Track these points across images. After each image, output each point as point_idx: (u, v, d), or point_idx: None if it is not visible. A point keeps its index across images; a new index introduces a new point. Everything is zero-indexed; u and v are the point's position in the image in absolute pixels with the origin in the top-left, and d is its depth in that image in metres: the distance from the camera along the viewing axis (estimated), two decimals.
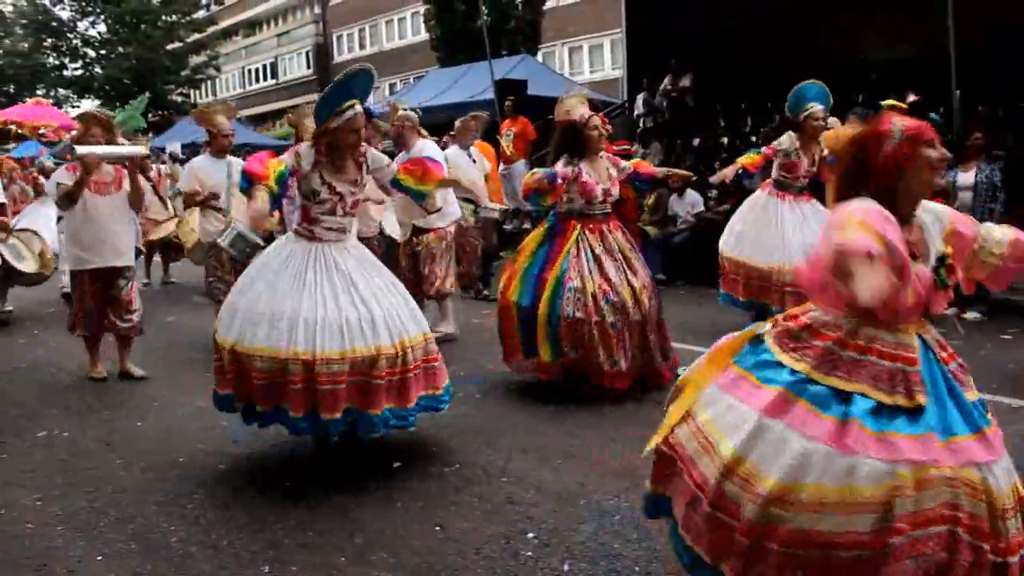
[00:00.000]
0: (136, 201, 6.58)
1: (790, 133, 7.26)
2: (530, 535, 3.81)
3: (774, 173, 7.39)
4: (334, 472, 4.56)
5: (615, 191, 5.98)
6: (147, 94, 10.44)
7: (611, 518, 3.96)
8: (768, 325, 2.86)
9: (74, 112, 28.26)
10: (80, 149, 6.13)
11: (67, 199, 6.25)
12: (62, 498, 4.39)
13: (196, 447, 5.07)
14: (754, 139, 13.27)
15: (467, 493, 4.30)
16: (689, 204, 11.43)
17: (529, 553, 3.65)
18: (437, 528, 3.90)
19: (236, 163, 7.45)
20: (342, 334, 4.33)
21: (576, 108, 5.91)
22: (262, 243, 7.28)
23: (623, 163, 6.13)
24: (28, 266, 8.86)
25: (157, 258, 11.98)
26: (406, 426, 4.59)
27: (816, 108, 7.12)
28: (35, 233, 9.02)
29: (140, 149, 6.60)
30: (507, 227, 12.45)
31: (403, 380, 4.50)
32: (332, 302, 4.39)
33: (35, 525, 4.08)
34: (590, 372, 5.70)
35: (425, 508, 4.12)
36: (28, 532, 4.01)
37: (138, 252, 8.91)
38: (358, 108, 4.47)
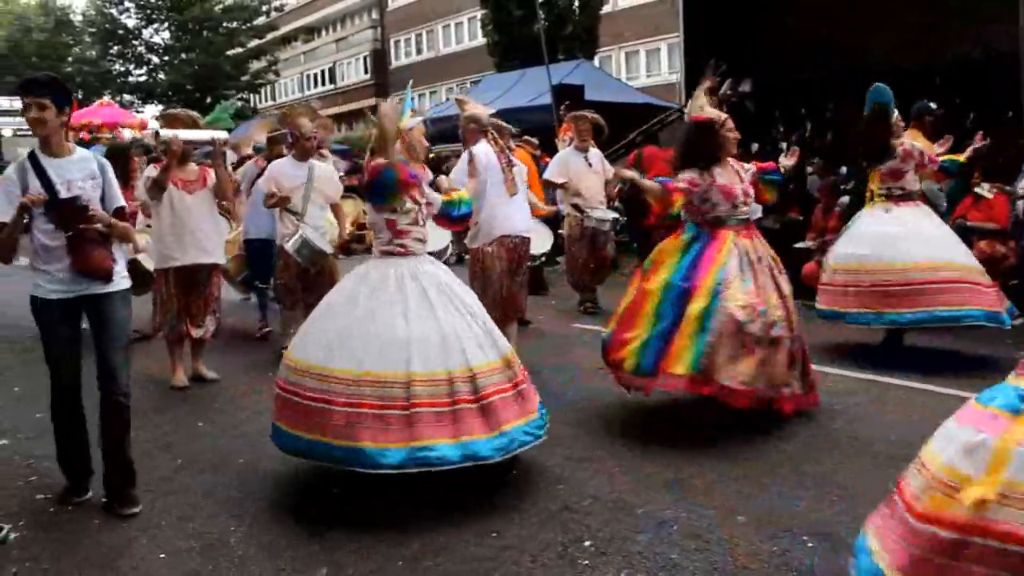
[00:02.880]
0: (222, 191, 6.63)
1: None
2: (587, 543, 3.79)
3: (879, 186, 7.05)
4: (391, 478, 4.57)
5: (752, 192, 5.63)
6: (236, 101, 10.51)
7: (668, 528, 3.91)
8: None
9: (139, 116, 28.90)
10: (164, 132, 6.25)
11: (156, 187, 6.28)
12: None
13: (256, 449, 5.11)
14: (815, 144, 13.12)
15: (523, 500, 4.29)
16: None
17: (586, 562, 3.63)
18: (493, 535, 3.90)
19: (318, 166, 7.50)
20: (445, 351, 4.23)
21: (707, 107, 5.58)
22: (329, 250, 7.34)
23: (746, 165, 5.82)
24: None
25: None
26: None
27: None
28: None
29: (223, 133, 6.61)
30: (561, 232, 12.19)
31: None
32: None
33: (100, 523, 4.17)
34: (763, 397, 5.18)
35: (481, 514, 4.11)
36: (94, 529, 4.11)
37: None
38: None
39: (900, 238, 6.66)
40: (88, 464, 4.47)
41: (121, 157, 7.47)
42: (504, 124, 7.96)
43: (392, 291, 4.36)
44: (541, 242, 8.22)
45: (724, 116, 5.54)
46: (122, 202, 4.41)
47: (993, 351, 6.96)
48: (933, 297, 6.52)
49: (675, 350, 5.13)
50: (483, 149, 6.68)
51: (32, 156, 4.22)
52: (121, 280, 4.36)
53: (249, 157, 9.76)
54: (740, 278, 5.22)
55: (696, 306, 5.13)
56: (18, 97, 4.31)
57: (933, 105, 7.85)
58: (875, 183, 7.03)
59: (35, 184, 4.13)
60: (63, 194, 4.14)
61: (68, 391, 4.37)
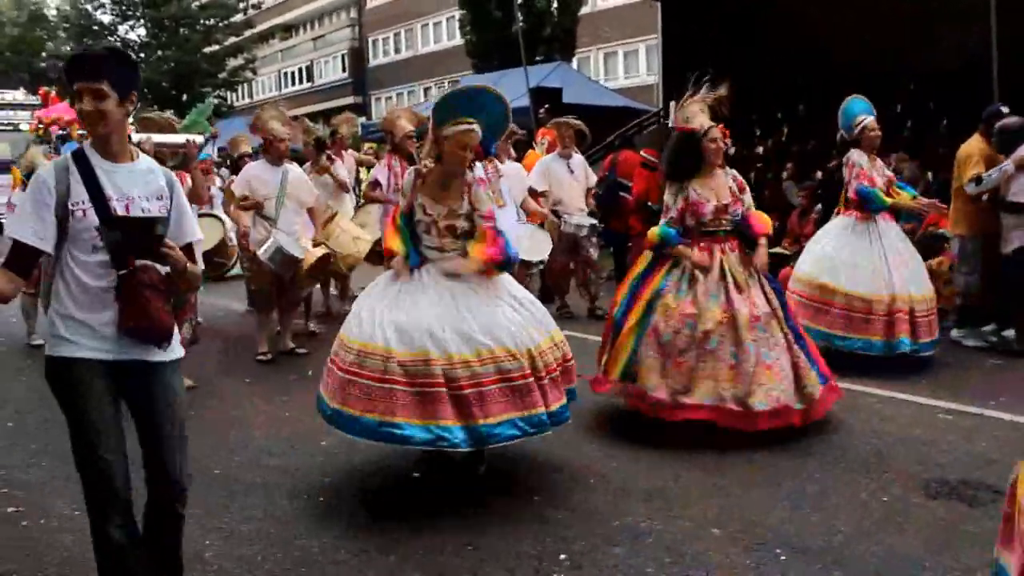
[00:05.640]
0: (197, 196, 6.55)
1: (858, 151, 6.95)
2: (562, 556, 3.80)
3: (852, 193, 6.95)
4: (367, 489, 4.58)
5: (736, 210, 5.51)
6: (212, 100, 10.43)
7: (644, 540, 3.93)
8: None
9: None
10: (136, 136, 6.16)
11: None
12: None
13: (232, 459, 5.10)
14: (794, 149, 13.23)
15: (498, 511, 4.29)
16: None
17: (561, 575, 3.64)
18: (468, 547, 3.90)
19: (292, 170, 7.47)
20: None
21: (696, 116, 5.56)
22: (301, 257, 7.32)
23: (744, 186, 5.70)
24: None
25: None
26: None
27: (868, 119, 6.94)
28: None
29: (199, 137, 6.56)
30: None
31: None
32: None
33: (73, 536, 4.10)
34: (636, 397, 5.41)
35: (457, 526, 4.11)
36: (68, 543, 4.05)
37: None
38: (476, 127, 4.34)
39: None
40: None
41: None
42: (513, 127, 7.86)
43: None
44: (540, 249, 8.24)
45: (710, 126, 5.52)
46: (198, 235, 3.26)
47: (965, 358, 7.08)
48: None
49: (616, 355, 5.51)
50: None
51: (79, 156, 3.01)
52: (177, 347, 3.17)
53: (248, 155, 9.70)
54: (676, 289, 5.41)
55: (636, 310, 5.46)
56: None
57: (1005, 109, 7.62)
58: None
59: (80, 194, 2.94)
60: (120, 213, 2.96)
61: (121, 510, 3.02)
